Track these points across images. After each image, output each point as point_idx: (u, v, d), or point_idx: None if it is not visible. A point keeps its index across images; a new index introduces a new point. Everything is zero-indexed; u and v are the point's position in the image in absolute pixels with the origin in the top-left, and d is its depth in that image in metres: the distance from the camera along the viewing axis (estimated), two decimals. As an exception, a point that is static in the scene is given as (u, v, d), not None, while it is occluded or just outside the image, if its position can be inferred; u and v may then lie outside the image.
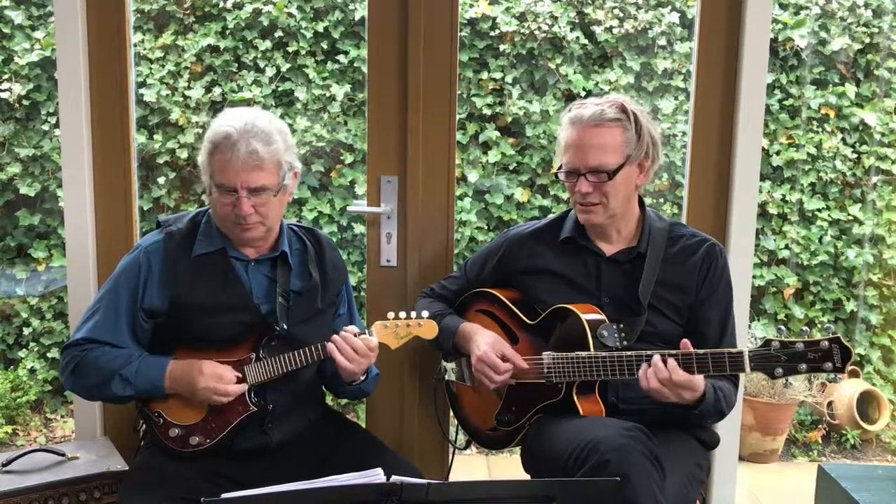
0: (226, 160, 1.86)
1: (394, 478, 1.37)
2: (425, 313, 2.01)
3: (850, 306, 4.12)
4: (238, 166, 1.86)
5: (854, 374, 4.04)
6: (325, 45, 3.93)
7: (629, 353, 1.88)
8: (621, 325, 1.96)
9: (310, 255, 2.06)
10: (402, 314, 1.99)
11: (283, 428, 1.99)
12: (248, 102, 3.85)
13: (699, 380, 1.83)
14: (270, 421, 1.97)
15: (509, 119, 3.97)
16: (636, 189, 2.05)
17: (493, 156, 3.94)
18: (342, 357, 1.90)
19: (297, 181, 2.02)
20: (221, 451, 1.93)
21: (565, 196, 3.89)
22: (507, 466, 3.65)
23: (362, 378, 2.01)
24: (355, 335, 1.92)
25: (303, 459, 1.97)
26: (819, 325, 4.11)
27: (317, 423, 2.09)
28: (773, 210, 4.06)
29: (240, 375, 1.91)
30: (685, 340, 1.85)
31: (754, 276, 3.93)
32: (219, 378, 1.88)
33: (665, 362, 1.81)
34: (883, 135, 4.11)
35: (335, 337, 1.91)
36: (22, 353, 3.99)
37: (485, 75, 3.94)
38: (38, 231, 3.96)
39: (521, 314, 2.10)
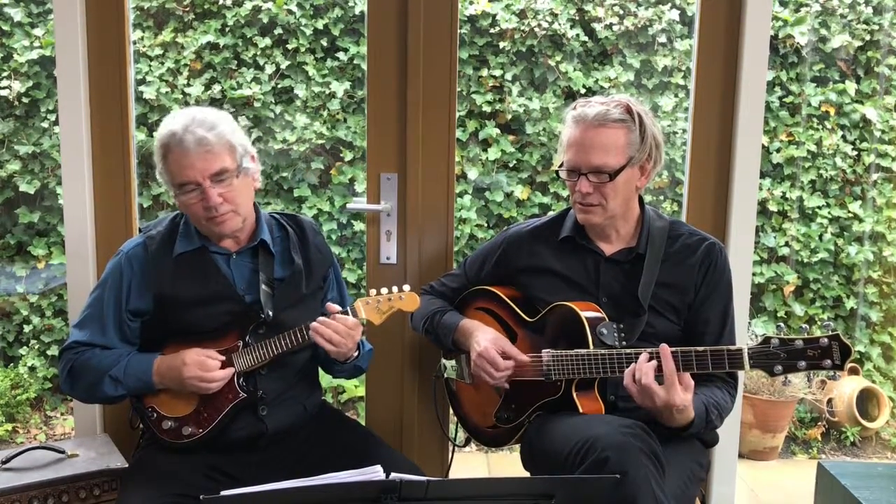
0: (178, 157, 1.88)
1: (393, 475, 1.37)
2: (406, 287, 2.01)
3: (850, 303, 4.12)
4: (192, 158, 1.87)
5: (854, 372, 4.04)
6: (324, 43, 3.93)
7: (628, 350, 1.88)
8: (621, 325, 1.96)
9: (292, 242, 2.07)
10: (384, 289, 1.99)
11: (277, 415, 1.99)
12: (247, 100, 3.86)
13: (678, 398, 1.78)
14: (265, 406, 1.97)
15: (509, 116, 3.96)
16: (636, 191, 2.04)
17: (493, 153, 3.94)
18: (324, 340, 1.91)
19: (258, 165, 2.02)
20: (216, 440, 1.94)
21: (565, 193, 3.89)
22: (507, 464, 3.65)
23: (355, 355, 2.02)
24: (334, 313, 1.93)
25: (302, 456, 1.98)
26: (819, 323, 4.11)
27: (315, 418, 2.10)
28: (773, 207, 4.06)
29: (224, 359, 1.92)
30: (663, 345, 1.82)
31: (754, 274, 3.93)
32: (201, 366, 1.89)
33: (649, 360, 1.81)
34: (883, 132, 4.11)
35: (314, 324, 1.91)
36: (22, 351, 3.99)
37: (485, 72, 3.94)
38: (38, 228, 3.97)
39: (520, 312, 2.10)
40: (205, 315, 1.96)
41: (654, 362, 1.80)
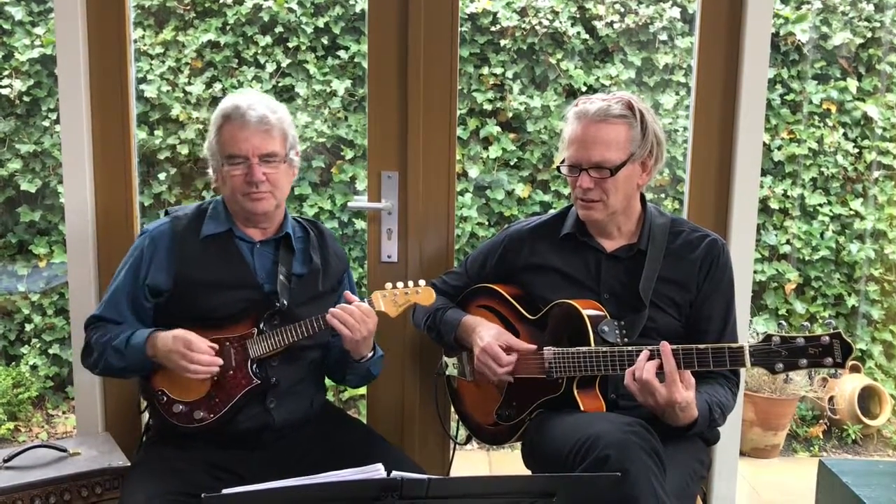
0: (236, 129, 1.96)
1: (394, 473, 1.37)
2: (422, 282, 2.02)
3: (851, 301, 4.11)
4: (249, 132, 1.95)
5: (855, 369, 4.04)
6: (325, 41, 3.93)
7: (630, 347, 1.88)
8: (622, 323, 1.96)
9: (312, 243, 2.12)
10: (400, 283, 2.02)
11: (285, 407, 2.00)
12: (248, 98, 3.85)
13: (679, 395, 1.79)
14: (273, 398, 1.98)
15: (510, 114, 3.96)
16: (638, 188, 2.04)
17: (494, 151, 3.94)
18: (340, 323, 1.92)
19: (299, 161, 2.11)
20: (223, 431, 1.94)
21: (566, 192, 3.89)
22: (508, 462, 3.65)
23: (369, 355, 2.02)
24: (352, 301, 1.96)
25: (303, 454, 1.98)
26: (820, 321, 4.11)
27: (318, 416, 2.10)
28: (774, 205, 4.06)
29: (216, 347, 1.92)
30: (664, 343, 1.82)
31: (755, 272, 3.93)
32: (188, 344, 1.88)
33: (650, 358, 1.80)
34: (884, 129, 4.11)
35: (332, 309, 1.94)
36: (24, 350, 4.00)
37: (485, 70, 3.94)
38: (39, 227, 3.97)
39: (522, 309, 2.10)
40: (222, 300, 1.98)
41: (655, 360, 1.80)
